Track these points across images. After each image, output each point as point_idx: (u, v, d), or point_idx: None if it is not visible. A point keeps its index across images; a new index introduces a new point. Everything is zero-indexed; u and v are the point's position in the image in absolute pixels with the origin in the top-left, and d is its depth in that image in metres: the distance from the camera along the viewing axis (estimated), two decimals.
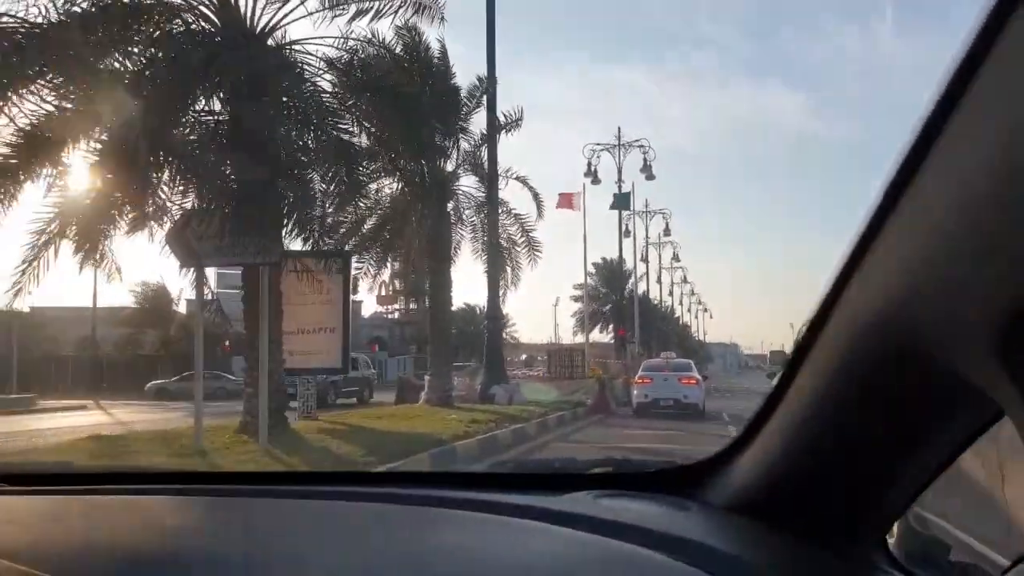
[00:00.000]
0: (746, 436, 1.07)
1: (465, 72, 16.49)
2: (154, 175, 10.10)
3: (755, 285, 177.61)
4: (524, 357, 64.72)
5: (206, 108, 10.87)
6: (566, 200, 38.81)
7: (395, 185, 16.45)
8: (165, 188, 10.33)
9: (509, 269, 18.52)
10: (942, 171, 0.60)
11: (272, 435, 10.16)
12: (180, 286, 35.43)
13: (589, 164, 36.24)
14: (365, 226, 17.04)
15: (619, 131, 38.07)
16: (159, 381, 32.44)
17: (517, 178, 18.34)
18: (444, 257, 17.11)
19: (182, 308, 38.50)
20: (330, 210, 12.14)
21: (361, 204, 14.00)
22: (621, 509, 1.13)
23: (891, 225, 0.67)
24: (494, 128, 17.46)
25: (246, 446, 9.62)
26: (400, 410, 16.13)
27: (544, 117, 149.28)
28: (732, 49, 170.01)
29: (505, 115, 17.72)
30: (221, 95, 10.75)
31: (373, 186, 16.92)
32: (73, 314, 38.16)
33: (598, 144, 37.19)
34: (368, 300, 55.91)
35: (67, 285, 61.60)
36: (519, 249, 18.66)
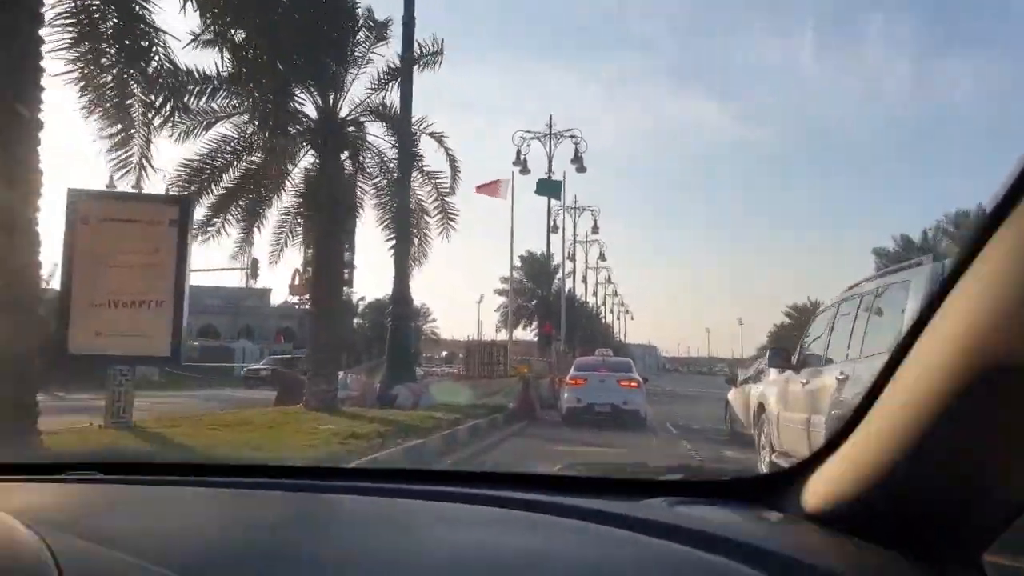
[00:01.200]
0: (829, 447, 1.01)
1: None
2: None
3: (673, 288, 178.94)
4: (444, 354, 61.21)
5: None
6: (492, 188, 35.74)
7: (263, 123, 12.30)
8: None
9: (416, 240, 14.56)
10: None
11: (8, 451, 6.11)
12: (54, 261, 30.36)
13: (519, 152, 33.64)
14: (229, 173, 12.81)
15: (551, 119, 35.41)
16: None
17: (431, 134, 14.43)
18: (333, 222, 13.02)
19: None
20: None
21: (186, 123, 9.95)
22: (701, 518, 1.07)
23: (1010, 226, 0.67)
24: (410, 60, 13.54)
25: None
26: (265, 415, 12.00)
27: (473, 113, 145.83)
28: (661, 55, 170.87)
29: (420, 45, 13.81)
30: None
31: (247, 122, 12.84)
32: None
33: (528, 132, 34.52)
34: (280, 288, 51.62)
35: None
36: (430, 219, 14.73)
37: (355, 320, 53.47)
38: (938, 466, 0.84)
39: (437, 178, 14.23)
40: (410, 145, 14.11)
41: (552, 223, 38.68)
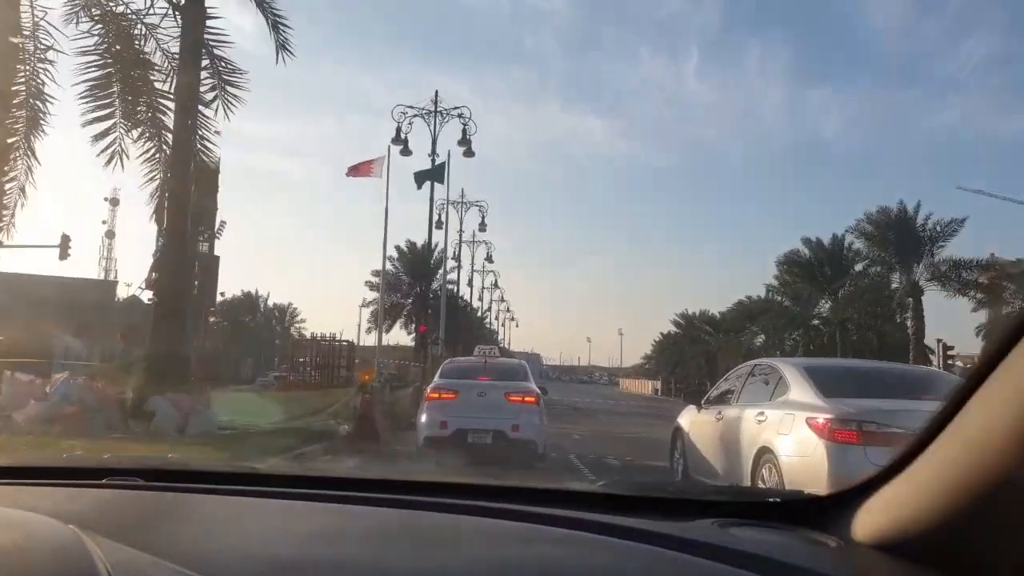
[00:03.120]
0: (889, 472, 0.93)
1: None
2: None
3: (554, 297, 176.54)
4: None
5: None
6: (365, 168, 29.46)
7: None
8: None
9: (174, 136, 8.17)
10: None
11: None
12: None
13: (399, 129, 27.47)
14: None
15: (436, 95, 29.60)
16: None
17: None
18: None
19: None
20: None
21: None
22: (752, 540, 1.00)
23: None
24: None
25: None
26: None
27: (364, 114, 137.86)
28: (551, 69, 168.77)
29: None
30: None
31: None
32: None
33: (410, 107, 28.49)
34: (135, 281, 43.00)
35: None
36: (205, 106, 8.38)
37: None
38: (1004, 494, 0.75)
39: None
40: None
41: (437, 217, 33.02)
